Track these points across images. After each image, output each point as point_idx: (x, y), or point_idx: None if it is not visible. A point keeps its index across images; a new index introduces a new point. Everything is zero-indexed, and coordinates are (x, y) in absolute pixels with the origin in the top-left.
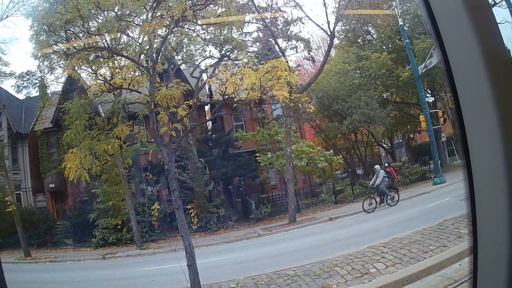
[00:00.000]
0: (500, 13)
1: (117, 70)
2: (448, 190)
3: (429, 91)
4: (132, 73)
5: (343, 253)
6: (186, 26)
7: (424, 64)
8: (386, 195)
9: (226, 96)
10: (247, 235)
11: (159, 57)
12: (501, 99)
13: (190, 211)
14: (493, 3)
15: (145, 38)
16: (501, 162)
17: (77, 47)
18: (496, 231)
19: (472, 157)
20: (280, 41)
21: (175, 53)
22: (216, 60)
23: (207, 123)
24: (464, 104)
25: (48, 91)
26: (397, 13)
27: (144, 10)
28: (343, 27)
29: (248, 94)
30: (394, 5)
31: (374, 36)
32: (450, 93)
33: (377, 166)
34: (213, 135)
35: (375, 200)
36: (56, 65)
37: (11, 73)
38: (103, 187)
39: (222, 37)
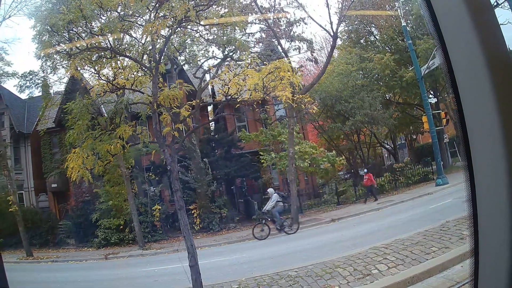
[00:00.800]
0: (502, 14)
1: (120, 70)
2: (451, 191)
3: (432, 92)
4: (135, 73)
5: (345, 254)
6: (189, 27)
7: (427, 65)
8: (280, 222)
9: (229, 97)
10: (250, 235)
11: (162, 57)
12: (503, 100)
13: (192, 212)
14: (495, 4)
15: (148, 39)
16: (503, 163)
17: (80, 47)
18: (498, 233)
19: (473, 158)
20: (283, 41)
21: (178, 53)
22: (219, 60)
23: (210, 123)
24: (466, 106)
25: (51, 91)
26: (400, 14)
27: (147, 11)
28: (346, 28)
29: (251, 95)
30: (397, 6)
31: (377, 37)
32: (452, 95)
33: (270, 190)
34: (216, 136)
35: (268, 226)
36: (58, 65)
37: (14, 73)
38: (106, 187)
39: (225, 37)
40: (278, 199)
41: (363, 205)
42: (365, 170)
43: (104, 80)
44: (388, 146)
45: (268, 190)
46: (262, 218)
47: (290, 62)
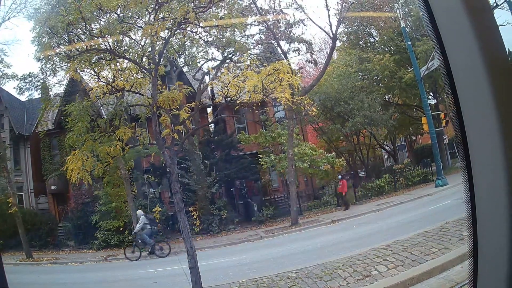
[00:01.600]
0: (501, 15)
1: (119, 72)
2: (450, 192)
3: (431, 93)
4: (134, 75)
5: (345, 256)
6: (188, 29)
7: (426, 66)
8: (150, 245)
9: (229, 99)
10: (249, 237)
11: (161, 59)
12: (501, 101)
13: (192, 213)
14: (494, 5)
15: (148, 40)
16: (501, 165)
17: (79, 49)
18: (496, 234)
19: (472, 160)
20: (282, 43)
21: (177, 55)
22: (218, 62)
23: (210, 125)
24: (464, 107)
25: (50, 93)
26: (399, 15)
27: (146, 12)
28: (345, 29)
29: (250, 97)
30: (396, 7)
31: (377, 38)
32: (451, 96)
33: (138, 212)
34: (215, 138)
35: (139, 248)
36: (58, 67)
37: (13, 75)
38: (105, 189)
39: (224, 39)
40: (145, 221)
41: (361, 206)
42: (340, 176)
43: (104, 82)
44: (388, 147)
45: (137, 212)
46: (132, 240)
47: (289, 64)
